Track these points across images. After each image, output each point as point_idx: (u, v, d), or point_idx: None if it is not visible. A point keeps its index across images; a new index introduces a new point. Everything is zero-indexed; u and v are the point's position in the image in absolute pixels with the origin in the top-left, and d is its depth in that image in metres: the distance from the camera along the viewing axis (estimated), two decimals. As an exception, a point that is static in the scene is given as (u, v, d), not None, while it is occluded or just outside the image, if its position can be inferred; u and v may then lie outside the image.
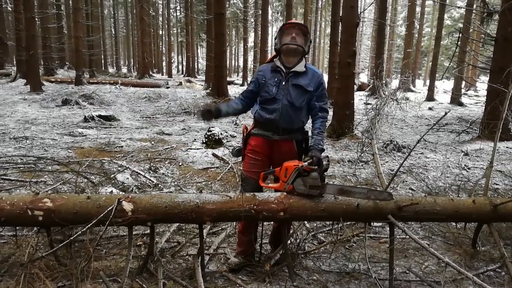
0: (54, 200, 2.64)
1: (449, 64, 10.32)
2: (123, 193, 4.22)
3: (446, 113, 3.01)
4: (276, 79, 2.92)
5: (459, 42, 9.20)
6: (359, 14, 9.43)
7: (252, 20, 31.29)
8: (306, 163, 2.72)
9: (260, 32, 25.58)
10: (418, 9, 29.34)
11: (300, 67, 2.91)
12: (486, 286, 2.29)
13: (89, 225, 2.52)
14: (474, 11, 14.25)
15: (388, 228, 2.95)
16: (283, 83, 2.89)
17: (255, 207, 2.70)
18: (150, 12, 30.62)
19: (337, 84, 9.50)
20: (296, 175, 2.72)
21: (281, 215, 2.73)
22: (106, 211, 2.56)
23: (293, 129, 2.95)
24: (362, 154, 6.55)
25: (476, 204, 2.92)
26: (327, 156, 2.91)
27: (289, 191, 2.78)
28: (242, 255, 3.05)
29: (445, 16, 23.65)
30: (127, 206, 2.62)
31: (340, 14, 9.67)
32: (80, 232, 2.59)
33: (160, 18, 45.16)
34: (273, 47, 3.09)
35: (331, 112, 10.33)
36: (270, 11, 32.48)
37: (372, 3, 17.76)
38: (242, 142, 3.10)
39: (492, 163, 3.34)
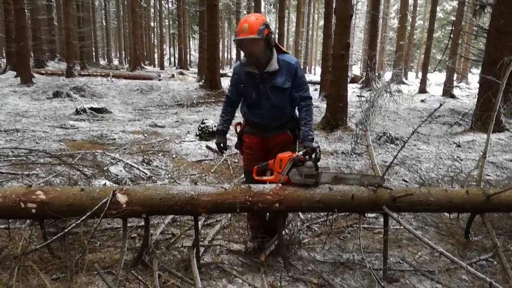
0: (47, 192, 2.61)
1: (442, 57, 10.36)
2: (117, 185, 4.20)
3: (441, 105, 3.02)
4: (252, 83, 2.89)
5: (451, 35, 9.23)
6: (352, 6, 9.40)
7: (245, 12, 31.07)
8: (300, 153, 2.73)
9: (253, 24, 25.36)
10: (410, 1, 29.33)
11: (273, 66, 2.82)
12: (479, 275, 2.32)
13: (83, 217, 2.51)
14: (466, 3, 14.28)
15: (382, 219, 2.96)
16: (260, 86, 2.87)
17: (250, 198, 2.70)
18: (142, 3, 30.26)
19: (331, 77, 9.48)
20: (291, 166, 2.72)
21: (277, 207, 2.74)
22: (101, 203, 2.54)
23: (283, 122, 3.02)
24: (355, 146, 6.56)
25: (469, 194, 2.94)
26: (318, 146, 2.92)
27: (284, 182, 2.78)
28: (257, 239, 3.12)
29: (438, 8, 23.67)
30: (122, 198, 2.61)
31: (334, 6, 9.64)
32: (74, 224, 2.57)
33: (152, 10, 44.66)
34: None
35: (324, 105, 10.34)
36: (263, 3, 32.23)
37: (365, -5, 17.71)
38: (238, 139, 3.18)
39: (485, 154, 3.37)
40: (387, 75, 23.22)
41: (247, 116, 3.07)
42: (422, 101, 15.74)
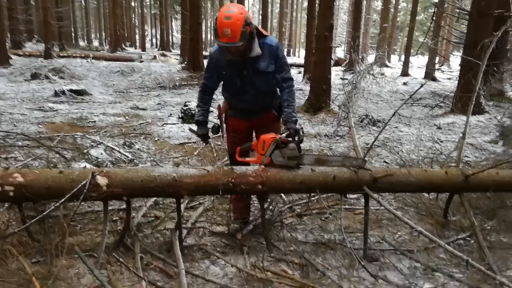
0: (25, 175, 2.55)
1: (424, 39, 10.41)
2: (97, 168, 4.13)
3: (422, 85, 3.04)
4: (235, 70, 2.84)
5: (434, 17, 9.26)
6: (336, -13, 9.33)
7: (228, -8, 30.59)
8: (284, 135, 2.73)
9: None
10: (394, -17, 29.26)
11: (255, 51, 2.76)
12: (456, 253, 2.38)
13: (62, 200, 2.46)
14: (449, -14, 14.31)
15: (363, 200, 3.00)
16: (244, 72, 2.83)
17: (233, 180, 2.69)
18: (122, -18, 29.47)
19: (314, 58, 9.45)
20: (274, 147, 2.72)
21: (259, 188, 2.74)
22: (80, 185, 2.49)
23: (267, 104, 3.04)
24: (338, 129, 6.60)
25: (448, 175, 3.00)
26: (302, 128, 2.91)
27: (267, 164, 2.78)
28: (240, 220, 3.17)
29: (421, -9, 23.69)
30: (102, 180, 2.56)
31: (318, -13, 9.55)
32: (53, 207, 2.53)
33: (133, -11, 43.59)
34: None
35: (308, 87, 10.32)
36: (246, -17, 31.74)
37: (349, -24, 17.59)
38: (221, 122, 3.16)
39: (464, 135, 3.42)
40: (371, 58, 23.30)
41: (229, 101, 3.06)
42: (405, 83, 15.86)
